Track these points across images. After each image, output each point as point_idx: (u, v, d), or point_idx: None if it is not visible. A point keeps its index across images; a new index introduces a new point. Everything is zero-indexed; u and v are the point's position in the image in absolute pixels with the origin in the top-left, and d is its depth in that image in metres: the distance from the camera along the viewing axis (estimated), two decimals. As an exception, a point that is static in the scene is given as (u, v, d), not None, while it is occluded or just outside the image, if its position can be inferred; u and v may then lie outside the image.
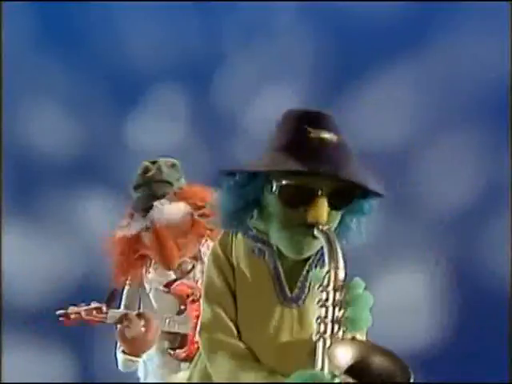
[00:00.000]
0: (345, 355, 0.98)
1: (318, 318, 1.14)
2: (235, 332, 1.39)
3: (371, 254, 2.55)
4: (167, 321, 2.11)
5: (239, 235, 1.44)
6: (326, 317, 1.13)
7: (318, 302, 1.16)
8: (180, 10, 3.30)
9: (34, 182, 3.30)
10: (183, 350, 2.12)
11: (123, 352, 2.05)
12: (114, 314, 2.07)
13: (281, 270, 1.39)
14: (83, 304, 2.10)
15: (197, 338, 1.44)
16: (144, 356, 2.12)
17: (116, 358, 2.14)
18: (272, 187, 1.33)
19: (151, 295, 2.21)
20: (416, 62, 3.11)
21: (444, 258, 3.06)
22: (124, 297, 2.24)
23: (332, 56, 3.16)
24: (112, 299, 2.12)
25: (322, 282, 1.17)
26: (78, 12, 3.32)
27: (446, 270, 3.03)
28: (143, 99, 3.35)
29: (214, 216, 1.89)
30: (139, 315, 2.04)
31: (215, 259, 1.45)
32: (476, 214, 3.05)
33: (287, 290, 1.39)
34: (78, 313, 2.06)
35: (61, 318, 2.06)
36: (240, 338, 1.39)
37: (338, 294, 1.15)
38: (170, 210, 2.14)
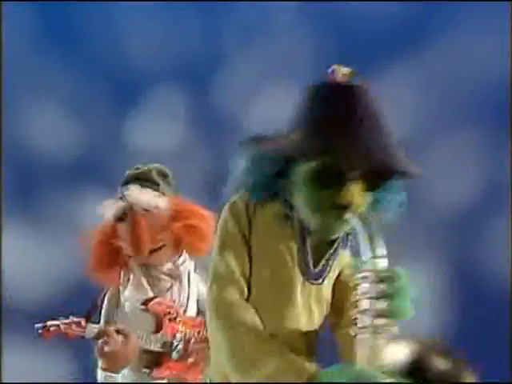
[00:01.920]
0: (404, 354, 0.95)
1: (359, 311, 1.09)
2: (246, 291, 1.32)
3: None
4: (143, 338, 2.08)
5: (264, 202, 1.37)
6: (367, 310, 1.09)
7: (359, 292, 1.11)
8: (180, 9, 3.30)
9: (34, 182, 3.30)
10: (159, 370, 2.09)
11: (101, 367, 2.01)
12: (93, 328, 2.03)
13: (308, 243, 1.34)
14: (62, 318, 2.05)
15: (206, 289, 1.38)
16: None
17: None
18: (303, 164, 1.27)
19: (128, 311, 2.16)
20: (416, 62, 3.11)
21: (444, 257, 3.06)
22: (103, 312, 2.20)
23: (332, 56, 3.15)
24: (92, 312, 2.08)
25: (362, 272, 1.12)
26: (78, 12, 3.32)
27: (446, 269, 3.03)
28: (143, 99, 3.35)
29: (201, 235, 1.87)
30: (118, 331, 2.00)
31: (233, 211, 1.38)
32: (476, 214, 3.05)
33: (311, 264, 1.35)
34: (57, 325, 2.03)
35: (40, 331, 2.03)
36: (247, 298, 1.33)
37: (379, 285, 1.10)
38: (147, 195, 2.11)
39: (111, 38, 3.31)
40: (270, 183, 1.34)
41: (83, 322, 2.03)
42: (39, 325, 2.04)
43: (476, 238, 3.07)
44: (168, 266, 2.19)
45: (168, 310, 2.13)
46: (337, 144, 1.21)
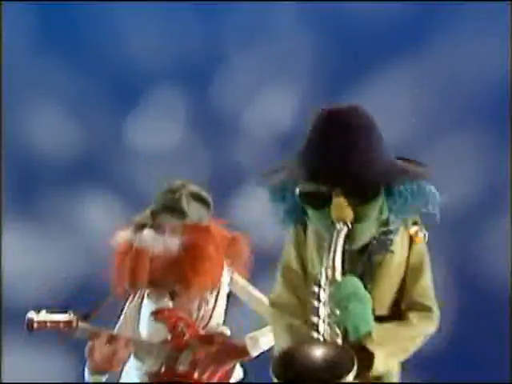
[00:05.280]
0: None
1: (312, 310, 1.16)
2: (303, 312, 1.38)
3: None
4: (145, 347, 2.08)
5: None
6: (318, 312, 1.16)
7: (313, 295, 1.18)
8: (180, 10, 3.30)
9: (34, 182, 3.30)
10: (161, 375, 2.10)
11: (88, 368, 2.01)
12: (86, 329, 2.02)
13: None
14: (56, 312, 2.03)
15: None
16: (124, 372, 2.11)
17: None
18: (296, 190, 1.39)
19: (145, 320, 2.17)
20: (416, 63, 3.11)
21: (444, 258, 3.06)
22: (122, 316, 2.20)
23: (332, 57, 3.16)
24: (91, 314, 2.06)
25: (320, 276, 1.20)
26: (79, 12, 3.32)
27: (446, 270, 3.03)
28: (143, 99, 3.35)
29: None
30: (111, 337, 2.00)
31: (296, 241, 1.50)
32: (476, 214, 3.05)
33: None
34: (44, 322, 2.00)
35: (27, 323, 1.99)
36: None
37: (329, 291, 1.18)
38: (157, 243, 2.07)
39: (111, 38, 3.31)
40: (294, 209, 1.44)
41: (74, 323, 2.02)
42: (27, 317, 2.00)
43: (476, 238, 3.07)
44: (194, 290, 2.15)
45: (178, 323, 2.11)
46: (314, 167, 1.32)
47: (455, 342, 2.89)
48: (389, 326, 1.38)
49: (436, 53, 3.07)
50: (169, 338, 2.11)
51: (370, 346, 1.27)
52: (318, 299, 1.18)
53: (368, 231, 1.37)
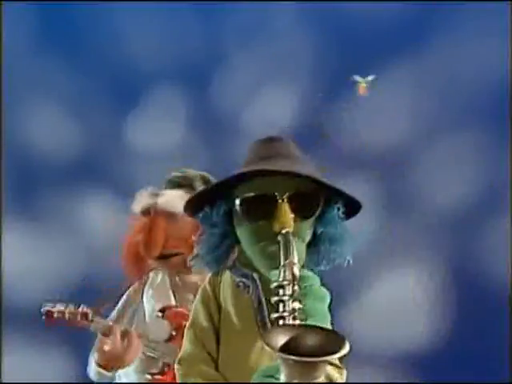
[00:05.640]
0: (277, 337, 0.99)
1: (276, 313, 1.12)
2: (211, 365, 1.34)
3: (371, 254, 2.55)
4: (152, 345, 2.06)
5: (227, 272, 1.40)
6: (284, 311, 1.11)
7: (276, 298, 1.14)
8: (180, 10, 3.30)
9: (34, 182, 3.30)
10: (162, 377, 2.06)
11: (96, 362, 1.98)
12: (99, 323, 2.00)
13: (265, 305, 1.32)
14: (72, 305, 2.03)
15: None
16: (122, 373, 2.07)
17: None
18: (235, 208, 1.31)
19: (146, 315, 2.15)
20: (416, 63, 3.11)
21: (444, 257, 3.06)
22: (118, 307, 2.18)
23: (332, 57, 3.16)
24: (102, 306, 2.06)
25: (278, 277, 1.15)
26: (79, 12, 3.32)
27: (445, 270, 3.03)
28: (143, 99, 3.35)
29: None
30: (124, 332, 1.97)
31: (203, 298, 1.42)
32: (476, 214, 3.05)
33: (270, 326, 1.30)
34: (62, 312, 1.99)
35: (43, 316, 1.99)
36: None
37: (292, 288, 1.13)
38: (176, 200, 2.04)
39: (111, 38, 3.31)
40: (218, 247, 1.36)
41: (90, 315, 2.01)
42: (45, 308, 2.00)
43: (476, 238, 3.07)
44: (195, 278, 2.13)
45: (183, 323, 2.10)
46: (256, 167, 1.27)
47: (455, 341, 2.89)
48: None
49: (436, 53, 3.07)
50: (173, 334, 2.08)
51: None
52: (277, 295, 1.13)
53: (299, 256, 1.25)
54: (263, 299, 1.33)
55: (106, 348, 1.94)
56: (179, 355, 1.40)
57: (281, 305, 1.12)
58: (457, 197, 3.08)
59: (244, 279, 1.36)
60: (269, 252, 1.26)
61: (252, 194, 1.28)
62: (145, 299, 2.17)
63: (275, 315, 1.11)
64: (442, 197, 3.09)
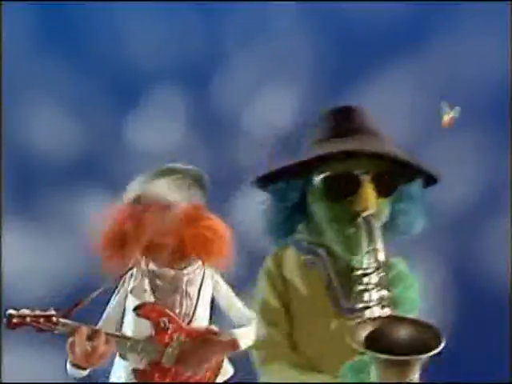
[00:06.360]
0: (363, 332, 0.95)
1: (362, 303, 1.09)
2: (290, 345, 1.32)
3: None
4: (128, 344, 2.05)
5: (290, 249, 1.37)
6: (369, 300, 1.08)
7: (361, 287, 1.10)
8: (180, 10, 3.31)
9: (34, 182, 3.30)
10: (147, 372, 2.08)
11: (69, 361, 1.98)
12: (66, 325, 1.98)
13: (334, 279, 1.31)
14: (37, 310, 2.00)
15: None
16: (112, 374, 2.10)
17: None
18: (313, 185, 1.26)
19: (130, 316, 2.14)
20: (416, 63, 3.11)
21: (444, 257, 3.06)
22: (106, 312, 2.17)
23: (332, 57, 3.16)
24: (73, 311, 2.03)
25: (362, 264, 1.11)
26: (79, 12, 3.32)
27: (446, 270, 3.03)
28: (143, 99, 3.35)
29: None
30: (92, 333, 1.96)
31: (268, 275, 1.39)
32: (476, 214, 3.05)
33: (342, 300, 1.30)
34: (23, 317, 1.97)
35: (4, 320, 1.97)
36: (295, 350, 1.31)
37: (378, 275, 1.09)
38: (166, 190, 2.07)
39: (112, 37, 3.31)
40: (288, 222, 1.32)
41: (55, 318, 1.99)
42: (8, 312, 1.97)
43: (476, 238, 3.07)
44: (171, 272, 2.15)
45: (161, 318, 2.09)
46: (346, 146, 1.21)
47: (454, 341, 2.89)
48: None
49: (436, 53, 3.07)
50: (153, 333, 2.08)
51: None
52: (361, 283, 1.10)
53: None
54: (333, 275, 1.30)
55: (75, 349, 1.93)
56: (254, 340, 1.39)
57: (366, 294, 1.09)
58: (457, 197, 3.08)
59: (311, 256, 1.33)
60: (347, 234, 1.23)
61: (335, 173, 1.23)
62: (127, 302, 2.16)
63: (360, 305, 1.08)
64: (441, 197, 3.09)
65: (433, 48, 3.08)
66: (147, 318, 2.09)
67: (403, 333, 0.94)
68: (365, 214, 1.17)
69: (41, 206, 3.32)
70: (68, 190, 3.28)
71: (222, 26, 3.32)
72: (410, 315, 1.13)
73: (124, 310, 2.17)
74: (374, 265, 1.10)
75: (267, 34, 3.27)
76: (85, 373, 1.99)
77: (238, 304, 2.18)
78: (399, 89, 3.11)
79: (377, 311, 1.07)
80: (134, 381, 2.10)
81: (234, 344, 2.03)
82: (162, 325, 2.08)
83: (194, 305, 2.14)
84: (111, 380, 2.17)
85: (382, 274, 1.10)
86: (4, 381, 2.98)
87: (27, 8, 3.30)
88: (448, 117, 3.03)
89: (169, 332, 2.08)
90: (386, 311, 1.07)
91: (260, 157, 3.28)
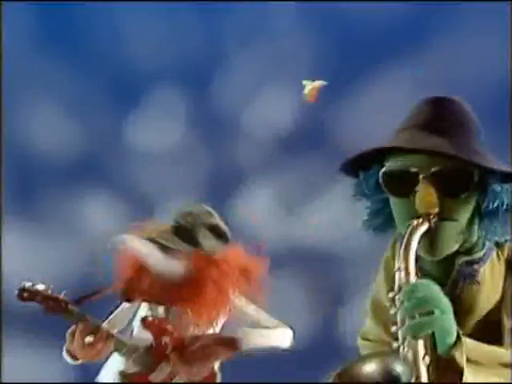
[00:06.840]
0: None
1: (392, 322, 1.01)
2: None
3: (371, 253, 2.55)
4: (126, 348, 2.05)
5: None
6: (395, 322, 1.01)
7: (390, 300, 1.03)
8: (180, 10, 3.31)
9: (34, 182, 3.30)
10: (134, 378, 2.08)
11: (66, 349, 2.00)
12: (72, 313, 1.99)
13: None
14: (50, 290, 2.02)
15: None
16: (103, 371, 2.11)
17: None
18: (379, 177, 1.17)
19: (137, 322, 2.16)
20: (416, 63, 3.11)
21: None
22: (114, 314, 2.19)
23: (332, 57, 3.16)
24: (84, 300, 2.01)
25: (393, 283, 1.04)
26: (78, 12, 3.32)
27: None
28: (143, 99, 3.35)
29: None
30: (95, 328, 1.97)
31: (386, 270, 1.30)
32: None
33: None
34: (36, 294, 1.98)
35: (17, 291, 1.99)
36: None
37: (400, 301, 1.01)
38: (162, 264, 2.02)
39: (112, 38, 3.31)
40: (382, 211, 1.23)
41: (63, 303, 1.99)
42: (23, 284, 1.99)
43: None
44: None
45: (163, 336, 2.08)
46: (398, 142, 1.15)
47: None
48: (482, 344, 1.10)
49: (436, 53, 3.07)
50: (153, 345, 2.08)
51: (459, 360, 1.03)
52: (394, 305, 1.01)
53: (454, 237, 1.12)
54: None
55: (74, 338, 1.94)
56: (364, 329, 1.32)
57: (392, 311, 1.01)
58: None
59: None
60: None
61: (392, 169, 1.15)
62: (139, 310, 2.18)
63: (392, 328, 1.01)
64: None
65: (433, 48, 3.07)
66: (150, 332, 2.10)
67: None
68: (427, 214, 1.09)
69: (41, 206, 3.32)
70: (68, 190, 3.28)
71: (222, 26, 3.32)
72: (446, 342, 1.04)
73: (135, 313, 2.18)
74: (397, 288, 1.05)
75: (267, 34, 3.26)
76: (78, 361, 2.01)
77: (256, 316, 2.14)
78: (399, 89, 3.11)
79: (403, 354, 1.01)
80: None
81: (235, 343, 2.04)
82: (163, 342, 2.08)
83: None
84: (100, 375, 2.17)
85: (402, 299, 1.03)
86: (4, 381, 2.98)
87: (27, 8, 3.30)
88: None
89: (167, 351, 2.07)
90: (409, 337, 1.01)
91: (260, 157, 3.29)
